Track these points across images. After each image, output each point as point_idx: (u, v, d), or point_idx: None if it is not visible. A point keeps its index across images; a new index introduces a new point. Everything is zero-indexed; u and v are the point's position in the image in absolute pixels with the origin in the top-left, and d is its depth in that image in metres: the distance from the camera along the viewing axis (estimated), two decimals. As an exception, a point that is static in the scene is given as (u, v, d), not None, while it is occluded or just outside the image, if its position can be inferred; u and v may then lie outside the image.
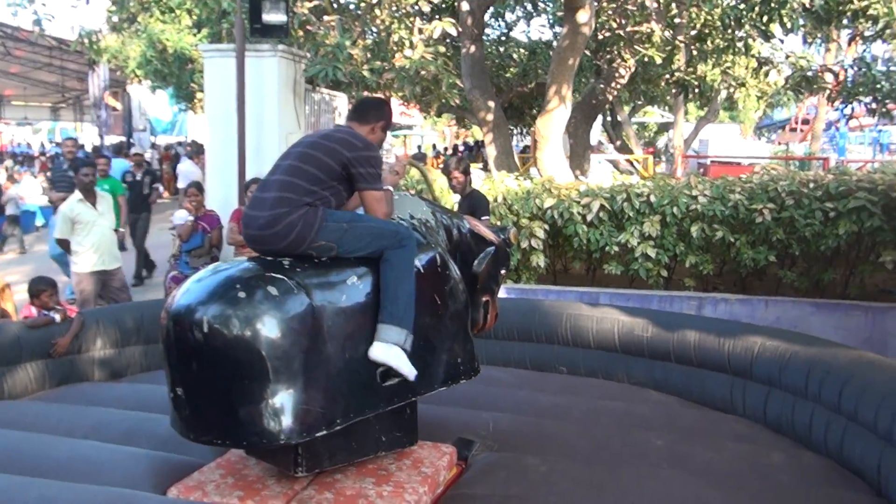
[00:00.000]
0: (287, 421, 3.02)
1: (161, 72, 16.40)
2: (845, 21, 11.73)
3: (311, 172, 3.32)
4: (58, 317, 5.35)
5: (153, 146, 27.75)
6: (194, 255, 7.22)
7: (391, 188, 3.63)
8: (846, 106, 13.42)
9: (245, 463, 3.58)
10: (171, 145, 25.78)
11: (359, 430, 3.39)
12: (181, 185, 15.85)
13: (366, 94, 12.83)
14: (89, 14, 37.52)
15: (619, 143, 20.79)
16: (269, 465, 3.49)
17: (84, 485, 3.27)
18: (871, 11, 10.79)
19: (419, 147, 32.79)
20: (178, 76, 16.58)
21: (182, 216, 7.39)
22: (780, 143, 33.26)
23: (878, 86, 12.75)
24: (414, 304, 3.35)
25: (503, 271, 4.17)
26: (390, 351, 3.27)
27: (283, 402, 3.02)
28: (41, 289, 5.46)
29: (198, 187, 7.73)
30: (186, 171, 16.76)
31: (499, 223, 7.63)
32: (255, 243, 3.35)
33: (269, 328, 3.00)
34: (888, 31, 11.63)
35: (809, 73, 12.94)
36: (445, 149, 30.99)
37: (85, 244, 6.92)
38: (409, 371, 3.31)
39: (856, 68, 13.41)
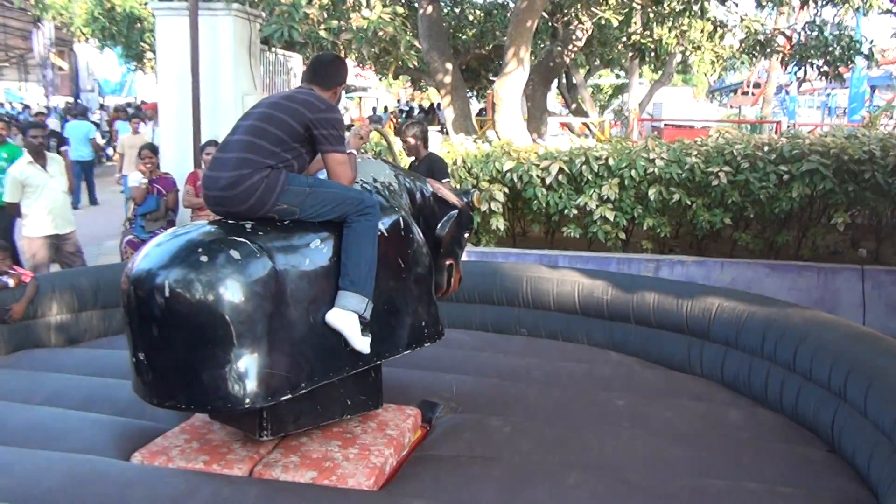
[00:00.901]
0: (251, 385, 3.01)
1: (109, 30, 15.93)
2: (798, -16, 11.84)
3: (273, 133, 3.26)
4: (11, 281, 5.22)
5: (102, 107, 27.10)
6: (149, 219, 7.09)
7: (355, 152, 3.59)
8: (799, 69, 13.57)
9: (210, 427, 3.56)
10: (120, 106, 25.19)
11: (324, 393, 3.39)
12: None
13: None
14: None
15: (574, 106, 20.84)
16: (235, 430, 3.48)
17: (45, 451, 3.24)
18: (823, -25, 10.92)
19: (374, 109, 32.47)
20: (127, 35, 16.14)
21: (136, 179, 7.24)
22: (732, 107, 33.63)
23: (830, 49, 12.93)
24: (375, 271, 3.33)
25: (466, 234, 4.17)
26: (348, 318, 3.25)
27: (247, 367, 3.00)
28: None
29: (152, 149, 7.57)
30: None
31: (458, 186, 7.62)
32: (216, 205, 3.29)
33: (232, 292, 2.97)
34: (840, -5, 11.77)
35: (761, 37, 13.06)
36: (400, 110, 30.75)
37: (36, 208, 6.75)
38: (360, 343, 3.29)
39: (808, 31, 13.57)
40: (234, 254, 3.04)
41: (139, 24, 15.74)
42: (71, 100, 27.08)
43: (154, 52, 12.33)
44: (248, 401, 3.01)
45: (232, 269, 3.01)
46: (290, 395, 3.12)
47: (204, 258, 3.01)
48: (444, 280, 3.99)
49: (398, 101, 39.23)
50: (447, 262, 4.01)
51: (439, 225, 3.99)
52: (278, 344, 3.08)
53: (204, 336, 2.97)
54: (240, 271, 3.02)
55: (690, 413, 4.18)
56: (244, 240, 3.11)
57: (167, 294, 2.96)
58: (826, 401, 3.92)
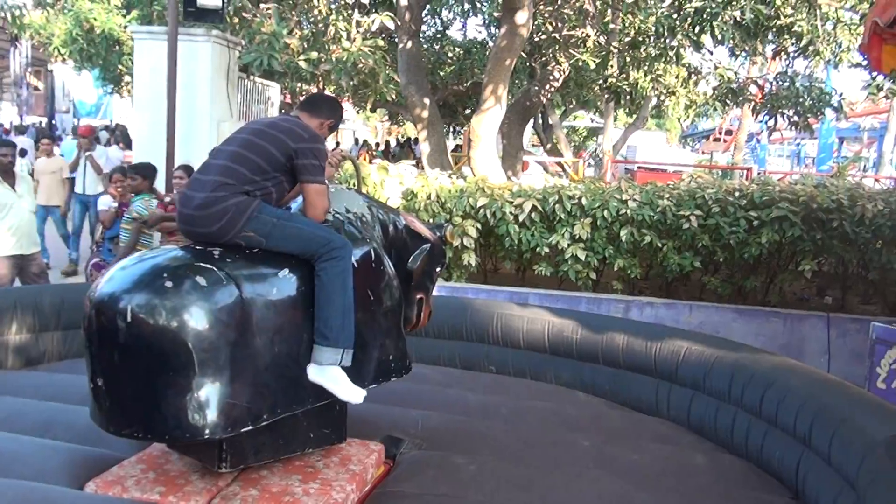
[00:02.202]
0: (211, 415, 2.94)
1: (87, 52, 15.84)
2: (770, 36, 12.09)
3: (254, 161, 3.27)
4: None
5: (76, 128, 26.90)
6: (117, 243, 7.01)
7: (326, 181, 3.58)
8: (770, 118, 13.83)
9: (167, 458, 3.47)
10: (95, 128, 25.02)
11: (286, 426, 3.33)
12: (106, 170, 15.43)
13: (300, 84, 12.70)
14: (12, -12, 36.04)
15: (549, 146, 21.01)
16: (193, 460, 3.40)
17: (-4, 478, 3.14)
18: (795, 28, 11.16)
19: (356, 141, 32.56)
20: (105, 57, 16.05)
21: (106, 202, 7.17)
22: (703, 153, 34.15)
23: (801, 100, 13.21)
24: (351, 316, 3.29)
25: (438, 269, 4.14)
26: (325, 373, 3.24)
27: (207, 396, 2.94)
28: None
29: (122, 173, 7.51)
30: (112, 155, 16.30)
31: (432, 220, 7.62)
32: (187, 224, 3.26)
33: (196, 319, 2.92)
34: (811, 48, 12.03)
35: (734, 86, 13.31)
36: (377, 144, 30.85)
37: (2, 227, 6.64)
38: (347, 395, 3.27)
39: (779, 82, 13.85)
40: (200, 280, 2.99)
41: (117, 47, 15.68)
42: (45, 120, 26.87)
43: (131, 76, 12.27)
44: (207, 431, 2.95)
45: (197, 295, 2.96)
46: (251, 427, 3.06)
47: (169, 283, 2.96)
48: (413, 314, 3.95)
49: (375, 134, 39.43)
50: (418, 296, 3.97)
51: (411, 258, 3.95)
52: (241, 374, 3.02)
53: (165, 363, 2.91)
54: (205, 298, 2.96)
55: (656, 456, 4.16)
56: (211, 266, 3.06)
57: (129, 318, 2.89)
58: (791, 447, 3.93)
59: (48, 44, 16.97)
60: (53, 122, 26.50)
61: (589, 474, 3.81)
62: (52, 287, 6.15)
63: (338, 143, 27.45)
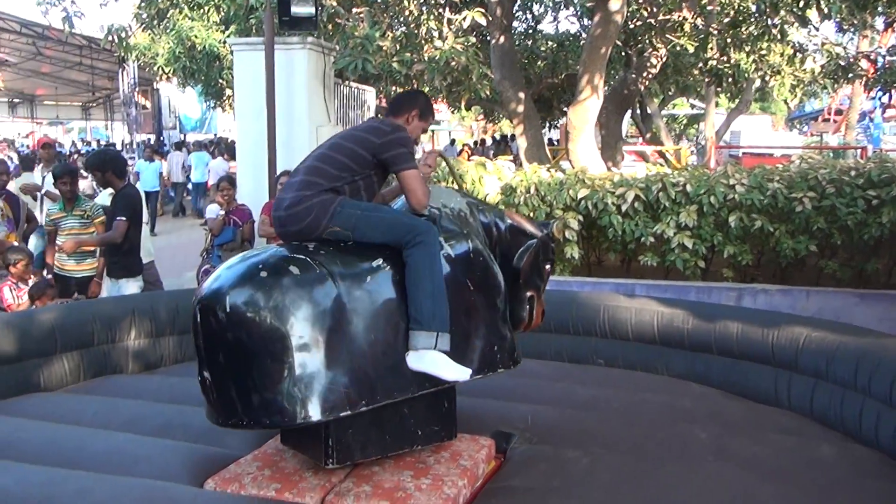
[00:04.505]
0: (310, 401, 3.01)
1: (190, 69, 16.47)
2: (881, 7, 11.46)
3: (339, 160, 3.41)
4: None
5: (183, 142, 27.99)
6: (226, 249, 7.20)
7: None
8: (884, 94, 13.15)
9: (282, 455, 3.53)
10: (201, 142, 25.96)
11: (393, 422, 3.36)
12: (212, 181, 15.99)
13: (394, 88, 12.81)
14: (117, 12, 37.85)
15: (648, 135, 20.54)
16: (306, 458, 3.44)
17: (121, 477, 3.24)
18: (908, -3, 10.55)
19: (452, 141, 32.70)
20: (207, 73, 16.64)
21: (214, 210, 7.38)
22: (812, 135, 32.79)
23: (917, 73, 12.50)
24: (442, 300, 3.28)
25: (548, 266, 4.03)
26: (423, 357, 3.23)
27: (305, 383, 3.02)
28: (17, 258, 5.99)
29: (229, 181, 7.73)
30: (217, 167, 16.91)
31: (533, 215, 7.54)
32: (280, 225, 3.42)
33: (290, 308, 3.02)
34: (926, 18, 11.36)
35: (842, 63, 12.68)
36: (475, 142, 30.89)
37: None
38: (452, 375, 3.25)
39: (892, 56, 13.13)
40: (294, 270, 3.11)
41: (217, 62, 16.20)
42: (153, 137, 28.04)
43: (232, 90, 12.64)
44: (305, 416, 3.01)
45: (292, 285, 3.07)
46: (349, 412, 3.09)
47: (264, 274, 3.09)
48: (525, 313, 3.85)
49: (471, 134, 39.59)
50: (528, 294, 3.87)
51: (516, 256, 3.87)
52: (338, 360, 3.08)
53: (262, 351, 3.01)
54: (300, 287, 3.07)
55: (778, 447, 3.96)
56: (305, 257, 3.18)
57: (228, 311, 3.03)
58: (928, 436, 3.68)
59: (153, 63, 17.67)
60: (161, 138, 27.60)
61: (709, 467, 3.66)
62: (168, 293, 6.34)
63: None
